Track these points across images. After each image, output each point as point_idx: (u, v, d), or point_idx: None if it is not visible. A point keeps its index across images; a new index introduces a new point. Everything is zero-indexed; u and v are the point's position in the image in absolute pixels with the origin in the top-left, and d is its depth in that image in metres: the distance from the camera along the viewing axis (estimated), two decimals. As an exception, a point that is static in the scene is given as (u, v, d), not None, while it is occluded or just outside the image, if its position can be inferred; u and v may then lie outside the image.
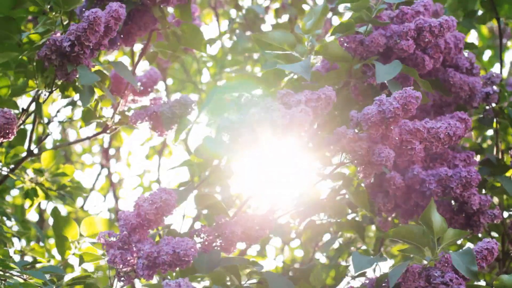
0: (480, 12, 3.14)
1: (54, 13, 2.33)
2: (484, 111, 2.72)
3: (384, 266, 3.80)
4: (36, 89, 2.39)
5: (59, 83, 2.37)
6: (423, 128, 2.17)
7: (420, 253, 2.05)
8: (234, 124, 2.14)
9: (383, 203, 2.44)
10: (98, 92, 2.49)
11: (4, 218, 3.29)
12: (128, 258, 2.01)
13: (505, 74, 4.42)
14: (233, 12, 4.56)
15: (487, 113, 2.72)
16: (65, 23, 2.39)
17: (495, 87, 2.64)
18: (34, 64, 2.31)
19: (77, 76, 2.29)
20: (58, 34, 2.26)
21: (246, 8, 4.29)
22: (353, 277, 2.27)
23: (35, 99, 2.40)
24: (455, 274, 2.02)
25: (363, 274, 2.22)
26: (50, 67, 2.28)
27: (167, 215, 2.01)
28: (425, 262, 2.05)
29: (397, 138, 2.17)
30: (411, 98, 2.10)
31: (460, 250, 2.02)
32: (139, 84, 3.04)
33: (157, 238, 2.23)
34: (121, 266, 2.00)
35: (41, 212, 4.58)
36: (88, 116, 2.61)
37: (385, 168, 2.18)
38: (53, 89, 2.36)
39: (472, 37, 4.70)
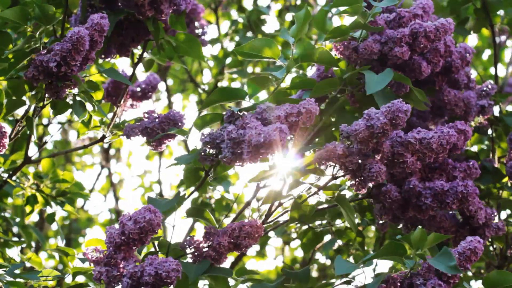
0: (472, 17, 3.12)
1: (36, 29, 2.33)
2: (479, 122, 2.70)
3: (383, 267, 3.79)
4: (28, 104, 2.40)
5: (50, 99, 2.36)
6: (414, 140, 2.13)
7: (400, 262, 2.02)
8: (215, 139, 2.13)
9: (380, 215, 2.40)
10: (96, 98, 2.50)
11: (5, 222, 3.31)
12: (115, 275, 1.99)
13: (503, 74, 4.40)
14: (233, 14, 4.55)
15: (483, 125, 2.70)
16: (58, 34, 2.39)
17: (490, 99, 2.62)
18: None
19: (67, 92, 2.30)
20: (44, 52, 2.25)
21: (249, 10, 4.28)
22: (341, 283, 2.26)
23: (26, 114, 2.41)
24: (439, 280, 1.99)
25: (349, 283, 2.21)
26: (40, 83, 2.28)
27: (152, 235, 1.99)
28: (406, 270, 2.03)
29: (388, 152, 2.15)
30: (399, 112, 2.07)
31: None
32: (138, 89, 3.04)
33: (150, 247, 2.23)
34: (107, 283, 1.99)
35: (41, 212, 4.59)
36: (81, 129, 2.62)
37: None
38: (44, 104, 2.35)
39: (472, 36, 4.68)
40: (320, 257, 4.31)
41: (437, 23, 2.30)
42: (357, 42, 2.33)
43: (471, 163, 2.43)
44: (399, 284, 2.03)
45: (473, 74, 2.63)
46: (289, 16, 4.47)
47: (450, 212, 2.49)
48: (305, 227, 3.10)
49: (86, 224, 5.29)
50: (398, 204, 2.34)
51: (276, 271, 4.88)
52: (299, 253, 4.88)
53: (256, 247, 4.57)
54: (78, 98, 2.39)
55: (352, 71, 2.31)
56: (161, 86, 4.90)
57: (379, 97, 2.22)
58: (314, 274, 4.62)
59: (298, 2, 4.38)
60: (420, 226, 1.99)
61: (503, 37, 4.63)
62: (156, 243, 2.20)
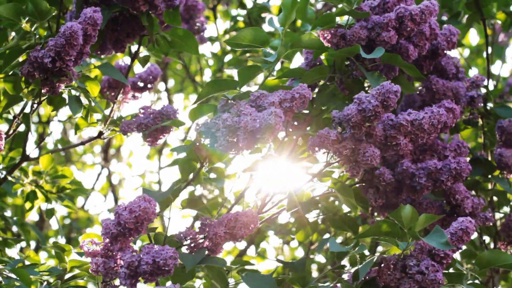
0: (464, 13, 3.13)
1: (30, 25, 2.33)
2: (470, 114, 2.71)
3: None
4: (24, 100, 2.41)
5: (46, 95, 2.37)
6: (406, 122, 2.15)
7: (394, 243, 2.03)
8: (210, 129, 2.14)
9: (374, 199, 2.41)
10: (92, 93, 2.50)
11: (3, 222, 3.32)
12: (112, 266, 1.99)
13: (505, 74, 4.39)
14: (233, 12, 4.56)
15: (473, 116, 2.71)
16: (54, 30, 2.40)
17: (479, 91, 2.63)
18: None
19: (63, 87, 2.30)
20: (39, 48, 2.26)
21: (250, 8, 4.30)
22: (333, 269, 2.27)
23: (23, 111, 2.42)
24: (432, 260, 2.00)
25: (342, 267, 2.22)
26: (36, 79, 2.29)
27: (147, 224, 1.99)
28: (399, 251, 2.04)
29: (381, 135, 2.15)
30: (389, 93, 2.08)
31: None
32: (139, 80, 3.05)
33: (147, 241, 2.24)
34: (104, 275, 1.98)
35: (41, 212, 4.59)
36: (80, 124, 2.63)
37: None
38: (41, 100, 2.36)
39: (473, 34, 4.68)
40: (321, 258, 4.31)
41: (422, 5, 2.32)
42: (344, 29, 2.34)
43: (460, 142, 2.44)
44: (392, 265, 2.03)
45: (474, 71, 2.63)
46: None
47: (438, 201, 2.49)
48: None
49: (86, 224, 5.30)
50: (392, 187, 2.36)
51: (277, 271, 4.87)
52: (299, 253, 4.88)
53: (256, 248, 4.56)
54: (74, 93, 2.39)
55: (344, 51, 2.30)
56: (161, 86, 4.92)
57: (371, 79, 2.23)
58: (314, 274, 4.62)
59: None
60: (409, 204, 2.00)
61: (502, 36, 4.63)
62: (152, 235, 2.20)
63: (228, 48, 4.34)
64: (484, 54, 4.60)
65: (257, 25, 4.23)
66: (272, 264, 4.89)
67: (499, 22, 3.03)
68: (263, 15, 4.26)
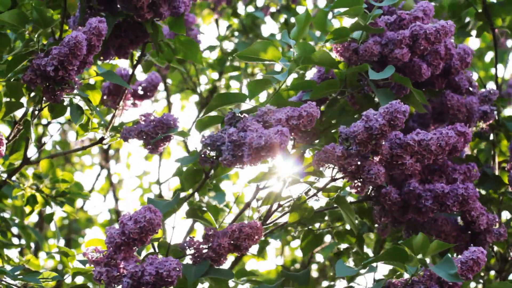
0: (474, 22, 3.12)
1: (34, 32, 2.32)
2: (481, 128, 2.70)
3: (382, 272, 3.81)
4: (25, 107, 2.40)
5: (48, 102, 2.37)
6: (413, 142, 2.13)
7: (402, 268, 2.00)
8: (215, 141, 2.14)
9: (379, 217, 2.40)
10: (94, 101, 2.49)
11: (3, 223, 3.31)
12: (115, 275, 1.99)
13: (507, 76, 4.39)
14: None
15: (484, 130, 2.70)
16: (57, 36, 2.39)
17: (492, 106, 2.61)
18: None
19: (65, 95, 2.29)
20: (42, 56, 2.25)
21: (245, 14, 4.29)
22: None
23: (24, 117, 2.41)
24: None
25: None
26: (38, 86, 2.28)
27: (152, 234, 1.98)
28: (407, 276, 2.02)
29: (387, 153, 2.15)
30: (397, 113, 2.06)
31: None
32: (139, 88, 3.05)
33: (149, 248, 2.23)
34: (107, 283, 1.98)
35: (41, 213, 4.58)
36: (81, 129, 2.62)
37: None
38: (42, 107, 2.35)
39: (474, 37, 4.67)
40: (320, 258, 4.31)
41: (438, 25, 2.30)
42: (357, 44, 2.33)
43: (470, 165, 2.42)
44: (399, 290, 2.01)
45: (474, 76, 2.62)
46: (281, 18, 4.47)
47: (452, 217, 2.48)
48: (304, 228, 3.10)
49: (86, 225, 5.30)
50: (398, 206, 2.34)
51: (276, 271, 4.88)
52: (299, 253, 4.88)
53: (256, 248, 4.56)
54: (75, 101, 2.39)
55: (353, 69, 2.29)
56: (160, 86, 4.88)
57: (381, 97, 2.22)
58: (314, 274, 4.63)
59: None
60: (421, 232, 1.98)
61: (507, 41, 4.62)
62: (155, 244, 2.20)
63: (228, 51, 4.34)
64: (486, 58, 4.61)
65: (252, 32, 4.24)
66: (272, 264, 4.91)
67: (508, 31, 3.00)
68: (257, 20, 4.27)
